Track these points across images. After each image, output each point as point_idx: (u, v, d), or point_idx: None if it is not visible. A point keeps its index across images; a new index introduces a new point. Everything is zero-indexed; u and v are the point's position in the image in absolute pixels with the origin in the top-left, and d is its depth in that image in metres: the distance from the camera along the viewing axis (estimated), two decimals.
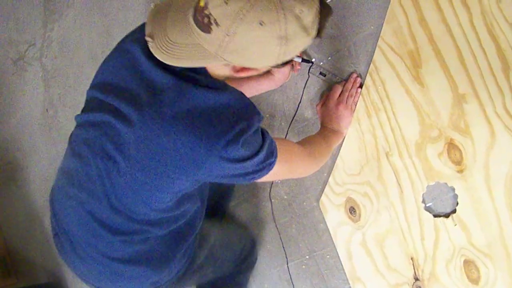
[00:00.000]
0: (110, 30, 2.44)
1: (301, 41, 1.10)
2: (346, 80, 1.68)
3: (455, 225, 1.52)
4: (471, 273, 1.51)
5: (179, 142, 1.18)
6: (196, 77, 1.20)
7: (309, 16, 1.07)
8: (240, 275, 2.02)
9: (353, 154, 1.70)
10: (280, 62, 1.13)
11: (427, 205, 1.58)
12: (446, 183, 1.53)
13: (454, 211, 1.53)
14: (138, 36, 1.27)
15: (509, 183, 1.42)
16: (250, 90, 1.75)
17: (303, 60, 1.71)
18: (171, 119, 1.18)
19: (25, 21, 2.96)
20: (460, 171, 1.49)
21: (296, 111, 1.83)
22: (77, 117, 1.40)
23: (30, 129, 3.00)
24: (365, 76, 1.64)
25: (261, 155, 1.25)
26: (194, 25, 1.07)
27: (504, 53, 1.39)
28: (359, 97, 1.66)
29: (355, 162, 1.70)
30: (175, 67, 1.17)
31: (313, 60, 1.75)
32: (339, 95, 1.66)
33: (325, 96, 1.72)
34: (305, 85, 1.79)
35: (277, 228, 1.97)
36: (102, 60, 1.36)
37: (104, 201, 1.33)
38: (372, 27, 1.63)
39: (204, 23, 1.05)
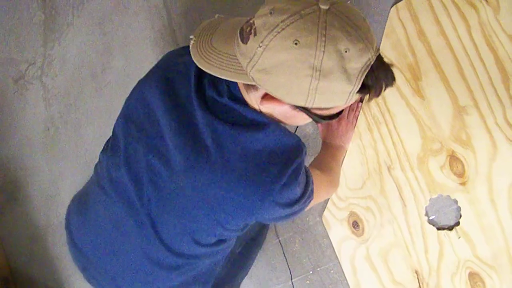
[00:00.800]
0: (110, 48, 2.44)
1: (339, 87, 0.95)
2: None
3: (459, 237, 1.52)
4: (476, 286, 1.50)
5: (232, 192, 1.10)
6: (243, 114, 1.10)
7: (356, 61, 0.93)
8: (247, 255, 1.89)
9: (355, 168, 1.70)
10: (313, 105, 1.00)
11: (430, 218, 1.57)
12: (449, 196, 1.52)
13: (457, 224, 1.52)
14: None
15: None
16: None
17: None
18: (221, 168, 1.09)
19: (25, 40, 2.97)
20: (463, 184, 1.49)
21: (297, 128, 1.82)
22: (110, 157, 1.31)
23: (31, 147, 3.00)
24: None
25: (306, 197, 1.18)
26: (238, 35, 0.99)
27: (503, 64, 1.39)
28: (360, 111, 1.66)
29: (357, 176, 1.69)
30: (222, 103, 1.11)
31: None
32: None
33: None
34: None
35: (280, 244, 1.96)
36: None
37: (155, 240, 1.26)
38: None
39: (246, 32, 0.96)
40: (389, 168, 1.62)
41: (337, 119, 1.49)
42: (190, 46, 1.05)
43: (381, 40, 1.59)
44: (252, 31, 0.94)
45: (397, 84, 1.57)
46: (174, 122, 1.15)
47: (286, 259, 1.95)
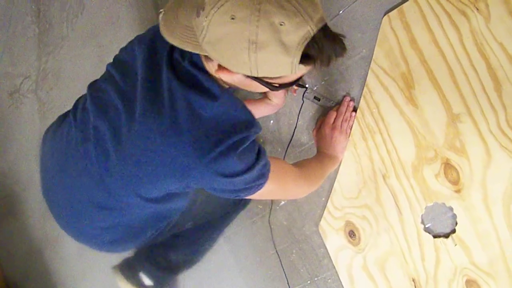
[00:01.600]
0: (104, 61, 2.45)
1: (277, 58, 1.01)
2: (340, 103, 1.69)
3: (455, 245, 1.52)
4: None
5: (173, 146, 1.17)
6: (199, 79, 1.17)
7: (294, 34, 0.98)
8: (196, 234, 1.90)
9: (350, 177, 1.70)
10: (259, 75, 1.05)
11: (426, 226, 1.57)
12: (444, 203, 1.53)
13: (453, 231, 1.53)
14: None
15: (507, 201, 1.42)
16: None
17: (297, 85, 1.72)
18: (169, 122, 1.16)
19: (20, 54, 2.98)
20: (458, 191, 1.49)
21: (292, 137, 1.83)
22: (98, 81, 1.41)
23: (27, 161, 3.00)
24: (359, 99, 1.65)
25: (251, 174, 1.22)
26: (195, 8, 1.04)
27: (495, 72, 1.40)
28: (353, 121, 1.66)
29: (352, 185, 1.70)
30: (182, 67, 1.18)
31: (307, 85, 1.76)
32: (334, 120, 1.67)
33: (319, 122, 1.72)
34: (300, 110, 1.80)
35: (277, 254, 1.96)
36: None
37: (96, 180, 1.35)
38: (364, 51, 1.64)
39: (199, 7, 1.02)
40: (384, 177, 1.62)
41: (330, 128, 1.61)
42: (159, 18, 1.11)
43: (374, 49, 1.60)
44: (203, 5, 1.00)
45: (390, 92, 1.57)
46: (145, 75, 1.23)
47: (283, 270, 1.95)
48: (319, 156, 1.66)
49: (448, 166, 1.50)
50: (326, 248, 1.80)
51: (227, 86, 1.23)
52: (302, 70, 1.06)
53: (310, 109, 1.79)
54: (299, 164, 1.54)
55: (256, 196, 1.31)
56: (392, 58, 1.56)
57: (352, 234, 1.72)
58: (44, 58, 2.83)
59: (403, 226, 1.60)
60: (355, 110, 1.67)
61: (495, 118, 1.41)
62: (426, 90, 1.51)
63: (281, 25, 0.96)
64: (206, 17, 0.99)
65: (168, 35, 1.09)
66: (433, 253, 1.56)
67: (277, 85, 1.12)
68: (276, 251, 1.96)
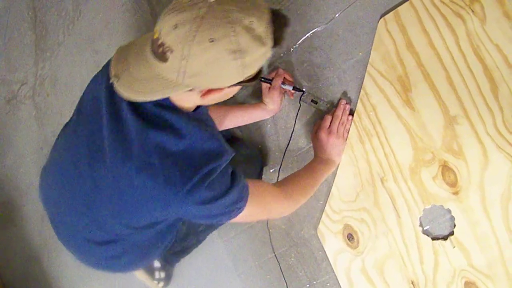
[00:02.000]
0: (101, 66, 2.45)
1: (258, 52, 1.08)
2: (336, 107, 1.69)
3: (454, 247, 1.52)
4: None
5: (149, 187, 1.21)
6: (165, 118, 1.21)
7: (261, 26, 1.06)
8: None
9: (348, 181, 1.70)
10: (244, 77, 1.11)
11: (425, 228, 1.57)
12: (442, 206, 1.53)
13: (452, 233, 1.53)
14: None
15: (505, 203, 1.42)
16: (242, 119, 1.79)
17: (294, 89, 1.72)
18: (142, 165, 1.20)
19: (17, 60, 2.98)
20: (456, 193, 1.49)
21: (290, 141, 1.83)
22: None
23: (25, 168, 3.00)
24: (356, 102, 1.65)
25: (228, 199, 1.26)
26: (153, 57, 1.09)
27: (492, 73, 1.40)
28: (350, 124, 1.67)
29: (350, 189, 1.70)
30: (144, 108, 1.21)
31: (304, 89, 1.76)
32: (330, 124, 1.67)
33: (316, 126, 1.72)
34: (297, 114, 1.79)
35: (276, 258, 1.96)
36: None
37: (86, 219, 1.41)
38: (360, 54, 1.64)
39: (160, 53, 1.06)
40: (382, 180, 1.62)
41: (326, 133, 1.64)
42: (116, 87, 1.12)
43: (370, 52, 1.60)
44: (166, 49, 1.04)
45: (387, 95, 1.57)
46: (110, 118, 1.25)
47: (282, 273, 1.95)
48: (312, 163, 1.67)
49: (445, 168, 1.50)
50: (324, 251, 1.80)
51: (192, 111, 1.29)
52: (270, 54, 1.14)
53: (308, 112, 1.79)
54: (283, 182, 1.56)
55: (238, 219, 1.34)
56: (388, 61, 1.57)
57: (350, 237, 1.72)
58: (41, 64, 2.84)
59: (401, 229, 1.60)
60: (351, 113, 1.67)
61: (492, 119, 1.42)
62: (423, 93, 1.51)
63: (251, 23, 1.04)
64: (182, 55, 1.03)
65: (137, 96, 1.11)
66: (432, 256, 1.56)
67: (250, 78, 1.17)
68: (275, 255, 1.96)
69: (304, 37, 1.73)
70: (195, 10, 1.02)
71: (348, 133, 1.68)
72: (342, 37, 1.68)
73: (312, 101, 1.75)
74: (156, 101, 1.18)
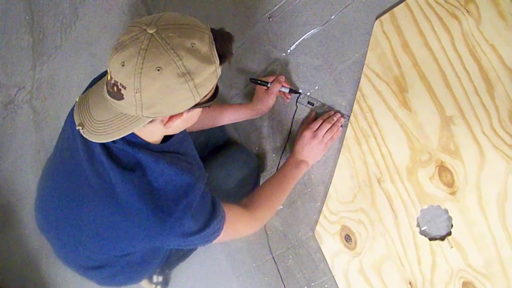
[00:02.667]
0: (98, 70, 2.44)
1: (207, 71, 1.11)
2: (331, 115, 1.71)
3: (451, 247, 1.52)
4: None
5: (133, 226, 1.27)
6: (137, 159, 1.25)
7: (204, 46, 1.10)
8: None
9: (345, 182, 1.70)
10: (200, 98, 1.14)
11: (422, 228, 1.57)
12: (439, 206, 1.53)
13: (449, 234, 1.53)
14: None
15: (501, 202, 1.43)
16: (229, 118, 1.80)
17: (291, 91, 1.72)
18: (123, 207, 1.25)
19: (14, 64, 2.97)
20: (453, 193, 1.50)
21: (286, 143, 1.83)
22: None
23: (23, 171, 2.99)
24: (353, 104, 1.65)
25: (209, 230, 1.31)
26: (110, 98, 1.13)
27: (487, 74, 1.41)
28: (337, 136, 1.70)
29: (347, 189, 1.70)
30: (116, 150, 1.25)
31: (300, 91, 1.76)
32: (318, 128, 1.69)
33: (304, 124, 1.74)
34: (293, 116, 1.80)
35: (274, 260, 1.95)
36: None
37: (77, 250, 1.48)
38: (356, 55, 1.65)
39: (115, 92, 1.10)
40: (379, 181, 1.62)
41: (311, 135, 1.68)
42: (83, 134, 1.17)
43: (366, 53, 1.61)
44: (120, 87, 1.08)
45: (383, 96, 1.58)
46: (86, 159, 1.30)
47: (280, 275, 1.95)
48: (285, 168, 1.70)
49: (442, 168, 1.51)
50: (322, 253, 1.80)
51: (161, 145, 1.33)
52: (220, 71, 1.17)
53: (304, 114, 1.79)
54: (252, 202, 1.58)
55: (209, 243, 1.39)
56: (384, 62, 1.57)
57: (348, 238, 1.72)
58: (38, 68, 2.83)
59: (398, 229, 1.60)
60: (344, 125, 1.69)
61: (488, 119, 1.42)
62: (419, 94, 1.52)
63: (193, 46, 1.08)
64: (134, 88, 1.06)
65: (102, 138, 1.15)
66: (429, 256, 1.56)
67: (208, 99, 1.20)
68: (273, 256, 1.95)
69: (300, 39, 1.73)
70: (137, 44, 1.06)
71: (331, 143, 1.71)
72: (338, 38, 1.68)
73: (308, 102, 1.76)
74: (125, 139, 1.23)
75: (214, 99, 1.22)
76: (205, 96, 1.17)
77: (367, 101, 1.62)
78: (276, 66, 1.83)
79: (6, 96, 3.03)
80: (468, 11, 1.43)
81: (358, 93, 1.63)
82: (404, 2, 1.53)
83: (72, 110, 1.37)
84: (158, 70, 1.05)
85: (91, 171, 1.28)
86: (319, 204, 1.79)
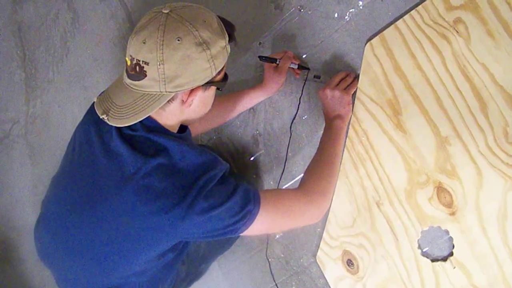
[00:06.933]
0: (91, 102, 2.45)
1: (220, 44, 1.22)
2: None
3: (454, 267, 1.51)
4: None
5: (146, 218, 1.23)
6: (158, 143, 1.26)
7: (214, 23, 1.23)
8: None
9: (344, 207, 1.69)
10: (217, 71, 1.24)
11: (424, 250, 1.57)
12: (439, 227, 1.52)
13: (451, 254, 1.52)
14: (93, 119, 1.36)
15: (501, 220, 1.42)
16: (244, 105, 1.80)
17: (300, 67, 1.70)
18: (138, 188, 1.23)
19: (8, 99, 2.97)
20: (452, 214, 1.49)
21: (283, 170, 1.83)
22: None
23: (21, 206, 2.98)
24: (348, 129, 1.65)
25: (232, 202, 1.26)
26: (131, 81, 1.20)
27: (480, 92, 1.41)
28: (356, 85, 1.63)
29: (347, 214, 1.69)
30: (137, 139, 1.27)
31: (309, 66, 1.76)
32: (337, 84, 1.62)
33: (324, 85, 1.65)
34: (288, 143, 1.80)
35: (277, 287, 1.94)
36: None
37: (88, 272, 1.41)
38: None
39: (137, 71, 1.18)
40: (378, 204, 1.62)
41: (332, 87, 1.61)
42: (107, 121, 1.21)
43: (358, 77, 1.61)
44: (142, 64, 1.17)
45: (378, 120, 1.58)
46: (104, 157, 1.30)
47: None
48: (322, 138, 1.59)
49: (440, 189, 1.50)
50: (325, 278, 1.79)
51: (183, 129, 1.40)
52: (229, 49, 1.29)
53: (300, 141, 1.79)
54: (301, 181, 1.51)
55: (257, 228, 1.32)
56: (377, 85, 1.57)
57: (350, 263, 1.71)
58: (32, 103, 2.83)
59: (400, 252, 1.60)
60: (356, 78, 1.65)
61: (484, 138, 1.42)
62: (413, 115, 1.52)
63: (204, 21, 1.20)
64: (157, 61, 1.15)
65: (126, 121, 1.20)
66: (433, 277, 1.55)
67: (221, 79, 1.31)
68: (276, 284, 1.94)
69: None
70: (156, 22, 1.17)
71: (352, 89, 1.63)
72: (329, 63, 1.69)
73: (315, 76, 1.74)
74: (146, 126, 1.27)
75: (226, 82, 1.32)
76: (219, 73, 1.27)
77: (361, 125, 1.62)
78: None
79: (1, 131, 3.03)
80: (457, 31, 1.43)
81: (353, 117, 1.63)
82: (393, 25, 1.53)
83: (82, 121, 1.41)
84: (178, 40, 1.15)
85: (109, 167, 1.28)
86: (319, 229, 1.79)
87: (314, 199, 1.45)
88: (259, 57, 1.73)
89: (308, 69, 1.74)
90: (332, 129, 1.57)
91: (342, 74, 1.64)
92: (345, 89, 1.60)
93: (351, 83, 1.63)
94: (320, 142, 1.59)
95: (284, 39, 1.78)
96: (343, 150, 1.66)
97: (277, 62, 1.70)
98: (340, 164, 1.65)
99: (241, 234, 1.32)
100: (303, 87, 1.77)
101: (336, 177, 1.56)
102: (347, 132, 1.65)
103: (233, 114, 1.81)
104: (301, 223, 1.46)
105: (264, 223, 1.32)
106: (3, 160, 3.04)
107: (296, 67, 1.71)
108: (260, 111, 1.90)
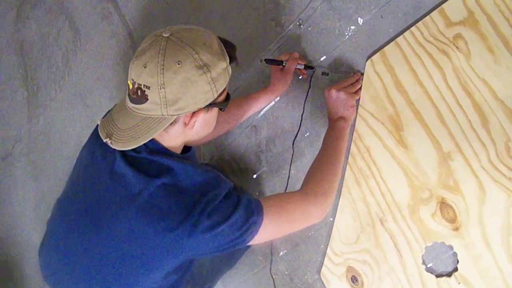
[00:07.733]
0: (94, 120, 2.46)
1: (221, 66, 1.23)
2: (348, 72, 1.68)
3: (459, 283, 1.51)
4: None
5: (151, 238, 1.23)
6: (161, 163, 1.28)
7: (214, 44, 1.23)
8: None
9: (347, 223, 1.69)
10: (218, 93, 1.24)
11: (428, 266, 1.56)
12: (443, 242, 1.52)
13: (455, 269, 1.52)
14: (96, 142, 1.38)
15: (505, 235, 1.42)
16: (252, 109, 1.79)
17: (306, 67, 1.71)
18: (143, 208, 1.24)
19: (10, 118, 2.99)
20: (456, 229, 1.49)
21: (286, 187, 1.83)
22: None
23: (24, 224, 2.98)
24: (350, 145, 1.65)
25: (235, 217, 1.26)
26: (133, 105, 1.22)
27: (481, 107, 1.41)
28: (360, 84, 1.63)
29: (350, 231, 1.69)
30: (140, 160, 1.28)
31: (314, 65, 1.76)
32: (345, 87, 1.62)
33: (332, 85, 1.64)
34: (291, 159, 1.80)
35: None
36: None
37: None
38: None
39: (139, 95, 1.19)
40: (381, 220, 1.62)
41: (338, 89, 1.60)
42: (111, 145, 1.23)
43: (360, 94, 1.62)
44: (144, 88, 1.18)
45: (379, 136, 1.58)
46: (108, 178, 1.31)
47: None
48: (325, 139, 1.59)
49: (443, 205, 1.50)
50: None
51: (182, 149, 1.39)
52: (230, 70, 1.29)
53: (302, 157, 1.80)
54: (303, 182, 1.50)
55: (262, 236, 1.32)
56: (378, 102, 1.58)
57: (354, 279, 1.70)
58: (34, 121, 2.84)
59: (404, 268, 1.59)
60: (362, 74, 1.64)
61: (486, 153, 1.42)
62: (415, 131, 1.52)
63: (205, 43, 1.21)
64: (158, 85, 1.16)
65: (129, 144, 1.22)
66: None
67: (223, 100, 1.31)
68: None
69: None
70: (156, 46, 1.18)
71: (358, 95, 1.63)
72: (330, 80, 1.69)
73: (323, 73, 1.73)
74: (149, 148, 1.28)
75: (228, 102, 1.33)
76: (221, 94, 1.27)
77: (363, 141, 1.62)
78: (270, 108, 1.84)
79: (4, 150, 3.04)
80: (457, 47, 1.44)
81: (355, 134, 1.64)
82: (394, 41, 1.54)
83: (86, 143, 1.44)
84: (178, 64, 1.16)
85: (113, 188, 1.29)
86: (323, 246, 1.78)
87: (317, 200, 1.44)
88: (265, 60, 1.72)
89: (314, 68, 1.75)
90: (335, 130, 1.58)
91: (352, 79, 1.64)
92: (351, 93, 1.61)
93: (358, 89, 1.63)
94: (323, 142, 1.59)
95: None
96: (348, 151, 1.67)
97: (284, 64, 1.70)
98: (345, 164, 1.66)
99: (247, 244, 1.33)
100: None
101: (339, 177, 1.54)
102: (350, 138, 1.66)
103: (242, 119, 1.81)
104: (306, 224, 1.46)
105: (269, 231, 1.33)
106: (6, 178, 3.05)
107: (302, 67, 1.72)
108: (262, 128, 1.90)
